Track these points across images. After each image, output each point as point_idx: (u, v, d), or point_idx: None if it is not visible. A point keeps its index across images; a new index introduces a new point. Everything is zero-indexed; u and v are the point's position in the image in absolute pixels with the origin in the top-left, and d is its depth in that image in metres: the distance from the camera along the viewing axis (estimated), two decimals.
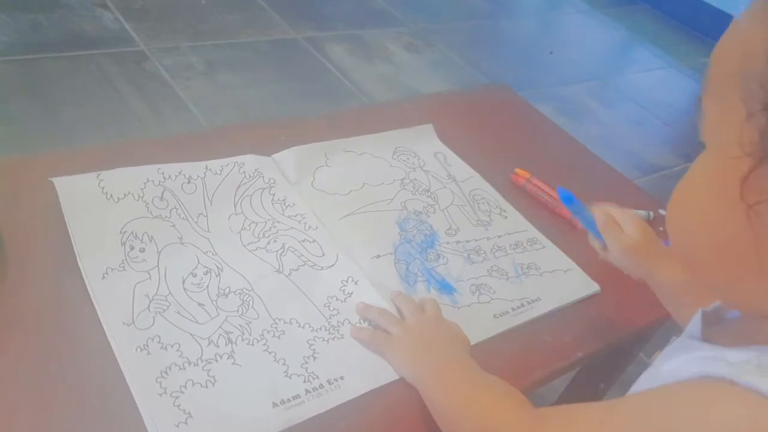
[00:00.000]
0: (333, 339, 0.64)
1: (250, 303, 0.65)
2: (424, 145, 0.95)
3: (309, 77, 2.08)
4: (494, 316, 0.73)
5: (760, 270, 0.39)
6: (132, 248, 0.66)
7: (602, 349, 0.78)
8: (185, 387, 0.56)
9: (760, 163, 0.36)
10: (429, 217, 0.83)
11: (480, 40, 2.72)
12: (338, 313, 0.67)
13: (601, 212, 0.74)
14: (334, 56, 2.22)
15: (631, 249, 0.72)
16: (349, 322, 0.66)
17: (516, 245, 0.83)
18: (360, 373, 0.62)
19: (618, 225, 0.73)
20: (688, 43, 3.16)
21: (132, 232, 0.68)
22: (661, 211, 0.96)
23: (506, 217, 0.88)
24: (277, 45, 2.19)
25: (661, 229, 0.93)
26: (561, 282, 0.80)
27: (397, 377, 0.63)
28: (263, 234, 0.73)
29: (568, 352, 0.73)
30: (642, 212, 0.95)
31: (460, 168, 0.93)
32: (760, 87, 0.36)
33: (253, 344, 0.61)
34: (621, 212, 0.75)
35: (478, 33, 2.78)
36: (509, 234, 0.85)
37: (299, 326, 0.64)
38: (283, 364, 0.60)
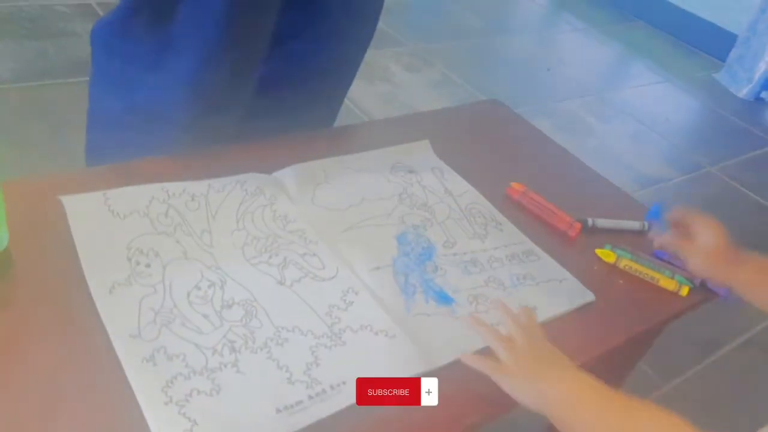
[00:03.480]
0: (335, 346, 0.66)
1: (254, 313, 0.67)
2: (421, 160, 0.98)
3: None
4: (492, 325, 0.74)
5: None
6: (138, 263, 0.68)
7: (600, 356, 0.80)
8: (191, 396, 0.58)
9: None
10: (426, 230, 0.86)
11: (478, 59, 2.77)
12: (340, 321, 0.69)
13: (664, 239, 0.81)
14: None
15: (708, 257, 0.78)
16: (351, 330, 0.68)
17: (512, 257, 0.85)
18: (363, 376, 0.63)
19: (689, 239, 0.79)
20: (684, 58, 3.20)
21: (138, 248, 0.70)
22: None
23: (502, 230, 0.90)
24: None
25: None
26: (556, 291, 0.82)
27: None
28: (265, 248, 0.75)
29: None
30: (636, 223, 0.97)
31: (457, 182, 0.96)
32: None
33: (256, 352, 0.63)
34: (695, 220, 0.80)
35: (475, 52, 2.82)
36: (505, 246, 0.87)
37: (302, 334, 0.66)
38: (286, 371, 0.62)
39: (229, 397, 0.59)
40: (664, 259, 0.90)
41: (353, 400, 0.62)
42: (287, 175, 0.86)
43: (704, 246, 0.78)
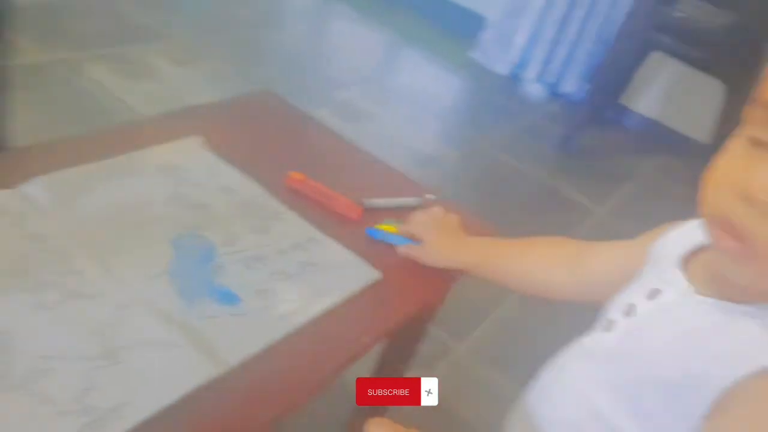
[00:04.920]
0: (110, 366, 0.61)
1: (6, 347, 0.59)
2: (193, 158, 0.93)
3: (67, 103, 1.93)
4: (281, 317, 0.73)
5: None
6: None
7: (390, 330, 0.83)
8: None
9: None
10: (204, 230, 0.82)
11: (251, 51, 2.72)
12: (114, 339, 0.64)
13: (401, 249, 0.90)
14: (95, 78, 2.08)
15: (434, 256, 0.89)
16: (127, 347, 0.63)
17: (296, 246, 0.85)
18: (145, 395, 0.60)
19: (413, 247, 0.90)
20: (446, 42, 3.42)
21: None
22: (430, 196, 1.03)
23: (284, 221, 0.89)
24: (25, 71, 2.00)
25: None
26: (343, 275, 0.83)
27: (187, 391, 0.61)
28: (15, 274, 0.67)
29: (356, 340, 0.76)
30: (413, 199, 1.01)
31: (233, 177, 0.93)
32: None
33: (11, 391, 0.56)
34: (416, 226, 0.91)
35: (248, 43, 2.77)
36: (288, 236, 0.86)
37: (70, 360, 0.60)
38: (53, 405, 0.56)
39: None
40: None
41: (138, 419, 0.57)
42: (37, 186, 0.77)
43: (429, 246, 0.89)
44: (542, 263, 0.85)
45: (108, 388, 0.59)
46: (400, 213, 0.97)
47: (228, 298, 0.73)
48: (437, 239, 0.90)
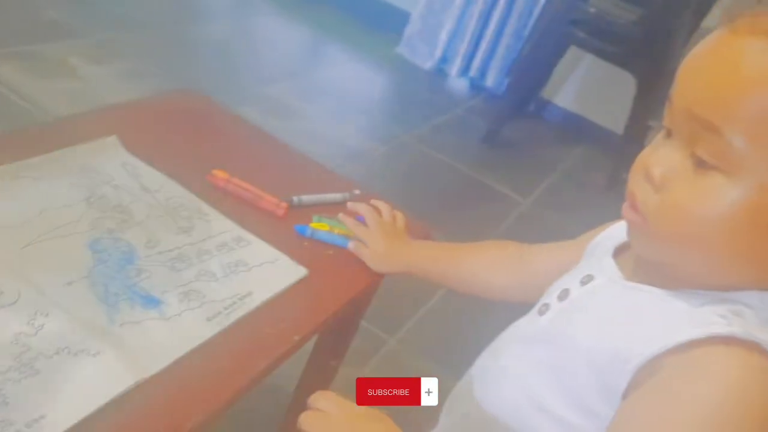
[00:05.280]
0: (26, 378, 0.59)
1: None
2: (110, 158, 0.90)
3: None
4: (207, 319, 0.72)
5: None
6: None
7: (320, 327, 0.83)
8: None
9: None
10: (124, 233, 0.79)
11: (172, 47, 2.65)
12: (29, 348, 0.61)
13: (352, 244, 0.91)
14: (4, 77, 1.98)
15: (381, 261, 0.90)
16: (44, 356, 0.61)
17: (221, 246, 0.83)
18: (64, 406, 0.58)
19: (363, 244, 0.91)
20: (369, 37, 3.43)
21: None
22: (357, 191, 1.03)
23: (208, 221, 0.87)
24: None
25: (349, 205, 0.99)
26: (270, 273, 0.82)
27: (108, 400, 0.59)
28: None
29: (286, 338, 0.76)
30: (339, 195, 1.01)
31: (153, 177, 0.90)
32: None
33: None
34: (362, 230, 0.92)
35: (169, 40, 2.70)
36: (213, 236, 0.84)
37: None
38: None
39: None
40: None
41: (59, 430, 0.55)
42: None
43: (375, 251, 0.90)
44: (486, 266, 0.87)
45: (24, 401, 0.56)
46: (326, 208, 0.97)
47: (151, 301, 0.71)
48: (384, 244, 0.90)
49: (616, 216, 0.62)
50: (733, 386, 0.47)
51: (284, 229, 0.92)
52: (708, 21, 2.50)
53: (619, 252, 0.63)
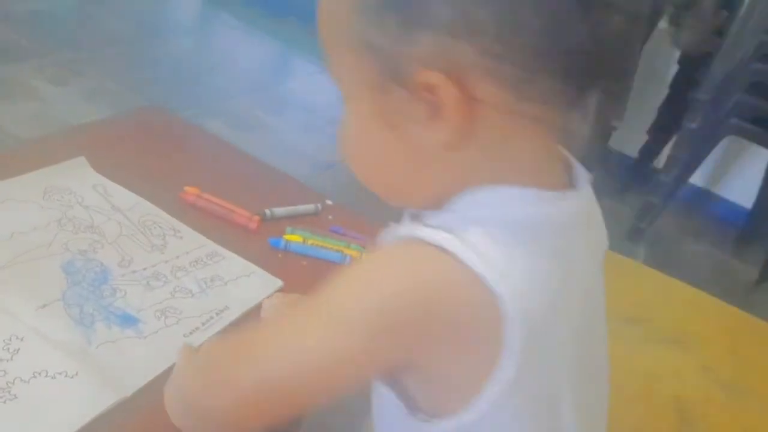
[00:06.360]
0: (4, 402, 0.58)
1: None
2: (79, 179, 0.90)
3: None
4: (184, 335, 0.72)
5: (416, 174, 0.51)
6: None
7: None
8: None
9: (388, 94, 0.48)
10: (97, 253, 0.79)
11: (135, 65, 2.63)
12: (6, 373, 0.61)
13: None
14: None
15: None
16: (21, 380, 0.60)
17: (196, 262, 0.83)
18: (44, 428, 0.58)
19: None
20: None
21: None
22: (328, 202, 1.04)
23: (182, 237, 0.87)
24: None
25: (330, 217, 1.01)
26: (246, 287, 0.82)
27: (86, 421, 0.59)
28: None
29: None
30: (311, 206, 1.02)
31: (124, 197, 0.90)
32: (355, 34, 0.49)
33: None
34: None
35: (131, 57, 2.68)
36: (187, 253, 0.84)
37: None
38: None
39: None
40: (339, 232, 0.97)
41: None
42: None
43: None
44: None
45: (4, 426, 0.56)
46: (298, 220, 0.98)
47: (126, 320, 0.71)
48: None
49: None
50: (380, 256, 0.50)
51: (257, 242, 0.92)
52: (665, 22, 2.57)
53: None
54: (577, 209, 0.53)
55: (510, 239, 0.47)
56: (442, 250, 0.45)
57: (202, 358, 0.58)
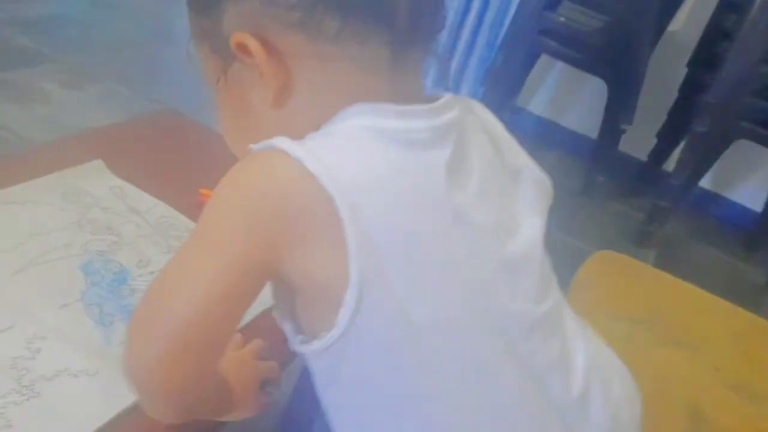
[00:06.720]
0: (28, 400, 0.59)
1: None
2: (97, 182, 0.91)
3: None
4: None
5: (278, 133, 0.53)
6: None
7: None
8: None
9: (230, 71, 0.57)
10: (116, 254, 0.80)
11: (146, 70, 2.65)
12: (29, 371, 0.62)
13: None
14: None
15: None
16: (45, 378, 0.62)
17: None
18: (67, 426, 0.59)
19: None
20: None
21: None
22: None
23: None
24: None
25: None
26: None
27: (109, 418, 0.60)
28: None
29: (280, 349, 0.77)
30: None
31: (141, 199, 0.91)
32: (194, 28, 0.64)
33: None
34: None
35: (143, 62, 2.70)
36: None
37: None
38: None
39: None
40: None
41: None
42: None
43: None
44: None
45: (27, 421, 0.57)
46: None
47: None
48: None
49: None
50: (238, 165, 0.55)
51: None
52: (674, 25, 2.57)
53: None
54: (435, 122, 0.57)
55: (350, 145, 0.51)
56: (283, 152, 0.50)
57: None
